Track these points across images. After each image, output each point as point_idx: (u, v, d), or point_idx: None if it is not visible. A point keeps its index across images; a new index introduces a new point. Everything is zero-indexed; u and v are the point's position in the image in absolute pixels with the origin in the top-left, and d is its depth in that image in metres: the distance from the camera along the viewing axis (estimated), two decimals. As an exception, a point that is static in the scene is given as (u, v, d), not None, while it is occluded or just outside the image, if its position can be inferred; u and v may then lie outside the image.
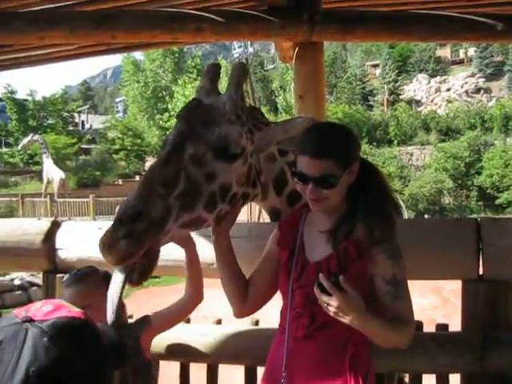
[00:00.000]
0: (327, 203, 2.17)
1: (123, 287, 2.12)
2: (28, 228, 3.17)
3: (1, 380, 1.29)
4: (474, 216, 28.36)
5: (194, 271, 2.61)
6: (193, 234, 2.47)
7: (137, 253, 1.95)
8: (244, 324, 3.06)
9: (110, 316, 2.16)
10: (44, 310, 1.46)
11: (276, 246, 2.37)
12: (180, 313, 2.70)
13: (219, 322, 3.20)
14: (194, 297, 2.64)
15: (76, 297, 2.53)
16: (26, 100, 47.03)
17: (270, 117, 41.17)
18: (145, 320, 2.69)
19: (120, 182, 36.42)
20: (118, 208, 2.08)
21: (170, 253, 2.59)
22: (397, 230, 2.18)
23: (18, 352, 1.33)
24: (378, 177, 2.30)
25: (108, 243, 1.94)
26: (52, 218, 3.33)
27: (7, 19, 3.86)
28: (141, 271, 2.07)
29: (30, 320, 1.41)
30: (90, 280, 2.62)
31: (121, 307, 2.23)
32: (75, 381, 1.37)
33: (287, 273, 2.27)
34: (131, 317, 2.96)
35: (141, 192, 2.05)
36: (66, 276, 2.67)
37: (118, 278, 2.14)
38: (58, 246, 3.12)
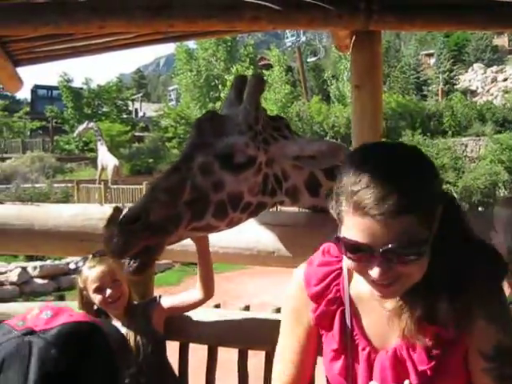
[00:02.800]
0: (404, 285, 1.48)
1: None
2: (92, 213, 3.26)
3: None
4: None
5: (205, 266, 2.75)
6: (252, 223, 2.50)
7: (128, 251, 2.11)
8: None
9: None
10: (43, 318, 1.32)
11: (309, 326, 1.79)
12: (190, 305, 2.91)
13: (278, 310, 3.23)
14: (204, 294, 2.83)
15: (108, 273, 2.82)
16: (81, 88, 47.92)
17: (323, 106, 40.90)
18: (154, 300, 2.98)
19: (172, 169, 36.66)
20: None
21: (221, 239, 2.65)
22: (501, 282, 1.58)
23: (25, 369, 1.20)
24: (457, 220, 1.58)
25: (105, 238, 2.16)
26: (114, 204, 3.42)
27: (67, 9, 3.93)
28: (138, 266, 2.18)
29: (31, 331, 1.27)
30: (113, 259, 2.83)
31: None
32: None
33: (343, 370, 1.67)
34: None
35: (143, 199, 2.20)
36: (81, 261, 2.86)
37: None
38: None
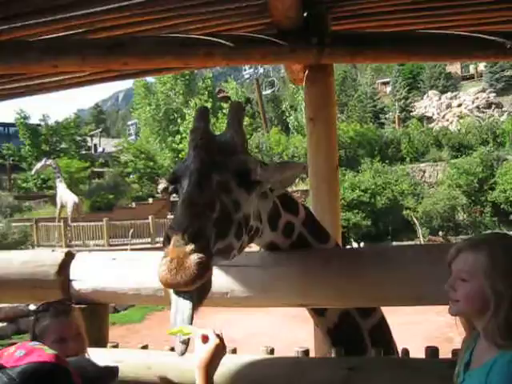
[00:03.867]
0: None
1: (193, 313, 2.04)
2: (43, 259, 3.19)
3: None
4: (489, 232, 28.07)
5: None
6: None
7: (210, 268, 2.00)
8: (258, 353, 3.00)
9: (180, 348, 2.03)
10: (15, 356, 1.49)
11: None
12: None
13: (234, 351, 3.17)
14: None
15: (73, 325, 2.59)
16: (38, 125, 47.23)
17: (282, 137, 41.22)
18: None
19: (133, 204, 36.51)
20: (166, 232, 2.09)
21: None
22: None
23: None
24: None
25: (177, 261, 1.94)
26: (66, 249, 3.35)
27: (19, 49, 3.91)
28: (200, 291, 2.05)
29: (2, 367, 1.44)
30: (78, 311, 2.71)
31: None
32: None
33: None
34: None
35: (191, 213, 2.05)
36: (42, 307, 2.68)
37: (182, 305, 2.05)
38: (72, 277, 3.14)
